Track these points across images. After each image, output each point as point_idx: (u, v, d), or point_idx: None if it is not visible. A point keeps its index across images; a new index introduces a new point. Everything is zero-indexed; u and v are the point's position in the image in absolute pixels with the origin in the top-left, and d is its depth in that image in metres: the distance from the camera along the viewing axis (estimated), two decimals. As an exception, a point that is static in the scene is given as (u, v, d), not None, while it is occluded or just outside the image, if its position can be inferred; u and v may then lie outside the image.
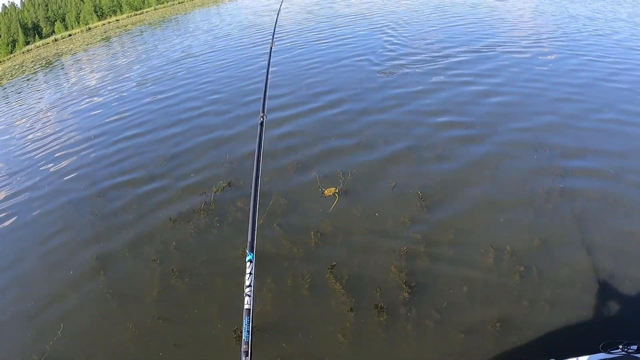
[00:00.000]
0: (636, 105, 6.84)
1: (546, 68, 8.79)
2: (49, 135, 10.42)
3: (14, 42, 59.45)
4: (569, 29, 11.89)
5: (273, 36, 4.67)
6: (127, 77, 15.06)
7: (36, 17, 66.90)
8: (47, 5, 69.80)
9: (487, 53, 10.10)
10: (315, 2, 24.95)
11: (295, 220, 4.95)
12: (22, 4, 71.74)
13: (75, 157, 8.34)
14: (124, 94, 12.72)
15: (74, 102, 13.55)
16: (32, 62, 34.91)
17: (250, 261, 1.77)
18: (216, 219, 5.24)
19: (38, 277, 4.96)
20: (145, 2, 70.85)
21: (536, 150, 5.69)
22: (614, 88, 7.55)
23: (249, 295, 1.66)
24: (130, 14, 67.26)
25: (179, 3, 64.66)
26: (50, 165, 8.33)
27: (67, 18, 68.05)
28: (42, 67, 28.07)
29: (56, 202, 6.57)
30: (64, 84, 17.87)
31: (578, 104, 6.97)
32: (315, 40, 14.15)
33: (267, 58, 3.83)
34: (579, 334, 3.31)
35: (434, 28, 13.61)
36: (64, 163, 8.18)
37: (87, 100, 13.25)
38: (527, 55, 9.72)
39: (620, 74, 8.18)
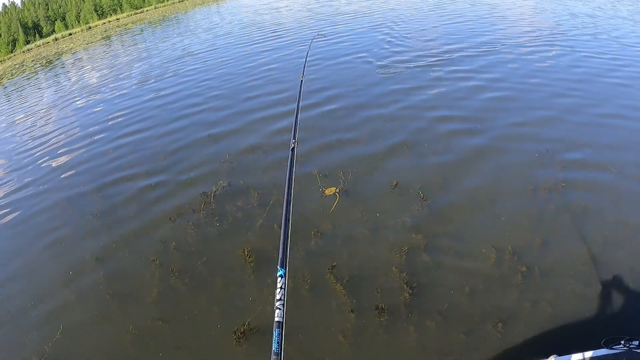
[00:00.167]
0: (635, 101, 6.87)
1: (546, 64, 8.78)
2: (50, 133, 10.44)
3: (14, 42, 59.45)
4: (568, 26, 11.85)
5: (304, 69, 4.70)
6: (127, 75, 15.07)
7: (36, 16, 66.88)
8: (47, 5, 69.77)
9: (487, 50, 10.06)
10: (316, 0, 24.87)
11: (296, 220, 4.91)
12: (23, 3, 71.74)
13: (75, 155, 8.34)
14: (125, 91, 12.72)
15: (74, 100, 13.56)
16: (32, 61, 34.92)
17: (282, 276, 1.81)
18: (216, 218, 5.22)
19: (37, 278, 4.94)
20: (146, 0, 70.79)
21: (537, 147, 5.66)
22: (613, 84, 7.57)
23: (280, 309, 1.69)
24: (130, 12, 67.23)
25: (179, 2, 64.59)
26: (50, 163, 8.33)
27: (67, 17, 68.03)
28: (42, 66, 28.07)
29: (56, 201, 6.56)
30: (65, 83, 17.87)
31: (577, 100, 6.98)
32: (315, 38, 14.08)
33: (299, 89, 3.85)
34: (581, 330, 3.30)
35: (434, 25, 13.59)
36: (65, 161, 8.17)
37: (87, 98, 13.27)
38: (527, 52, 9.68)
39: (619, 70, 8.17)
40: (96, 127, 9.83)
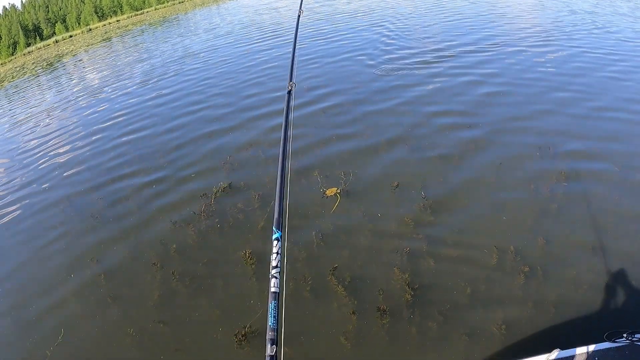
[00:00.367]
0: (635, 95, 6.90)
1: (545, 61, 8.76)
2: (52, 133, 10.48)
3: (14, 44, 59.53)
4: (569, 23, 11.80)
5: (301, 5, 4.71)
6: (128, 76, 15.09)
7: (37, 19, 66.97)
8: (47, 7, 69.85)
9: (487, 48, 10.02)
10: (315, 0, 24.83)
11: (297, 221, 4.90)
12: (23, 5, 71.84)
13: (76, 156, 8.36)
14: (126, 92, 12.74)
15: (76, 101, 13.59)
16: (33, 63, 34.95)
17: (278, 239, 1.67)
18: (217, 220, 5.21)
19: (39, 280, 4.94)
20: (146, 2, 70.81)
21: (539, 145, 5.64)
22: (612, 78, 7.60)
23: (276, 277, 1.55)
24: (130, 14, 67.24)
25: (179, 3, 64.58)
26: (52, 163, 8.35)
27: (67, 19, 68.09)
28: (43, 68, 28.09)
29: (57, 203, 6.57)
30: (66, 85, 17.89)
31: (578, 95, 6.98)
32: (316, 37, 14.08)
33: (295, 27, 3.79)
34: (584, 324, 3.30)
35: (434, 24, 13.54)
36: (66, 162, 8.18)
37: (89, 98, 13.30)
38: (528, 49, 9.63)
39: (619, 66, 8.16)
40: (97, 127, 9.87)
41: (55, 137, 10.09)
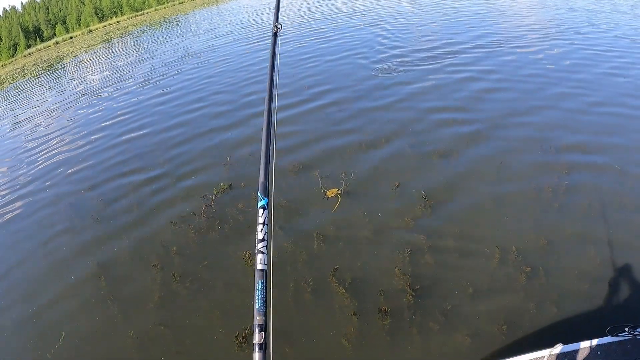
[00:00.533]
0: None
1: (546, 60, 8.73)
2: (53, 135, 10.49)
3: (15, 46, 59.58)
4: (570, 22, 11.77)
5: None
6: (129, 77, 15.10)
7: (37, 20, 67.03)
8: (47, 8, 69.93)
9: (488, 47, 9.98)
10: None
11: (298, 222, 4.90)
12: (23, 7, 71.92)
13: (77, 158, 8.35)
14: (127, 93, 12.76)
15: (77, 101, 13.62)
16: (33, 65, 34.98)
17: (264, 207, 1.43)
18: (217, 222, 5.19)
19: (39, 282, 4.93)
20: (146, 3, 70.82)
21: (540, 143, 5.62)
22: (611, 75, 7.63)
23: (263, 253, 1.34)
24: (130, 15, 67.23)
25: (179, 3, 64.58)
26: (53, 165, 8.36)
27: (68, 20, 68.13)
28: (44, 70, 28.10)
29: (58, 204, 6.58)
30: (67, 86, 17.90)
31: (580, 98, 6.90)
32: (316, 37, 14.07)
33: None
34: (586, 319, 3.29)
35: (433, 23, 13.52)
36: (67, 163, 8.19)
37: (90, 99, 13.33)
38: (529, 48, 9.60)
39: (621, 65, 8.13)
40: (98, 127, 9.90)
41: (56, 137, 10.14)
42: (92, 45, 34.87)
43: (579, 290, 3.55)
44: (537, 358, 2.49)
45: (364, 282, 3.95)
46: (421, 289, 3.78)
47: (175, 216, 5.48)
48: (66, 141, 9.65)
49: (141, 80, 13.91)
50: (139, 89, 12.78)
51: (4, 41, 58.57)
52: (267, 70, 2.03)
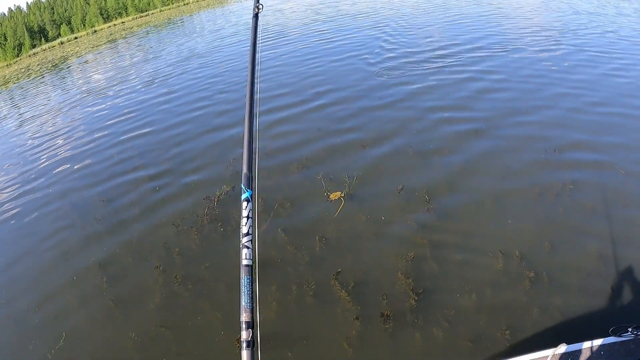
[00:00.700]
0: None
1: (548, 61, 8.74)
2: (57, 134, 10.53)
3: (20, 46, 59.85)
4: (573, 24, 11.77)
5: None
6: (133, 77, 15.15)
7: (42, 21, 67.36)
8: (52, 9, 70.25)
9: (490, 48, 9.99)
10: (320, 1, 24.87)
11: (300, 225, 4.88)
12: (28, 7, 72.29)
13: (81, 157, 8.37)
14: (131, 93, 12.81)
15: (81, 102, 13.65)
16: (38, 65, 35.11)
17: (248, 200, 1.36)
18: (219, 224, 5.18)
19: (41, 283, 4.93)
20: (151, 4, 71.07)
21: (542, 145, 5.62)
22: (613, 76, 7.68)
23: (248, 247, 1.28)
24: (135, 16, 67.45)
25: (184, 4, 64.73)
26: (56, 163, 8.40)
27: (73, 21, 68.41)
28: (48, 70, 28.21)
29: (61, 204, 6.59)
30: (71, 86, 17.97)
31: (581, 98, 6.93)
32: (319, 39, 14.09)
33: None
34: (589, 319, 3.29)
35: (436, 25, 13.53)
36: (71, 162, 8.22)
37: (94, 100, 13.36)
38: (531, 50, 9.60)
39: (623, 68, 8.13)
40: (102, 127, 9.93)
41: (61, 135, 10.22)
42: (97, 46, 35.00)
43: (581, 290, 3.54)
44: (540, 357, 2.51)
45: (367, 286, 3.93)
46: (424, 292, 3.76)
47: (178, 218, 5.47)
48: (71, 139, 9.71)
49: (146, 79, 13.96)
50: (144, 88, 12.84)
51: (9, 41, 58.87)
52: (249, 58, 1.86)
